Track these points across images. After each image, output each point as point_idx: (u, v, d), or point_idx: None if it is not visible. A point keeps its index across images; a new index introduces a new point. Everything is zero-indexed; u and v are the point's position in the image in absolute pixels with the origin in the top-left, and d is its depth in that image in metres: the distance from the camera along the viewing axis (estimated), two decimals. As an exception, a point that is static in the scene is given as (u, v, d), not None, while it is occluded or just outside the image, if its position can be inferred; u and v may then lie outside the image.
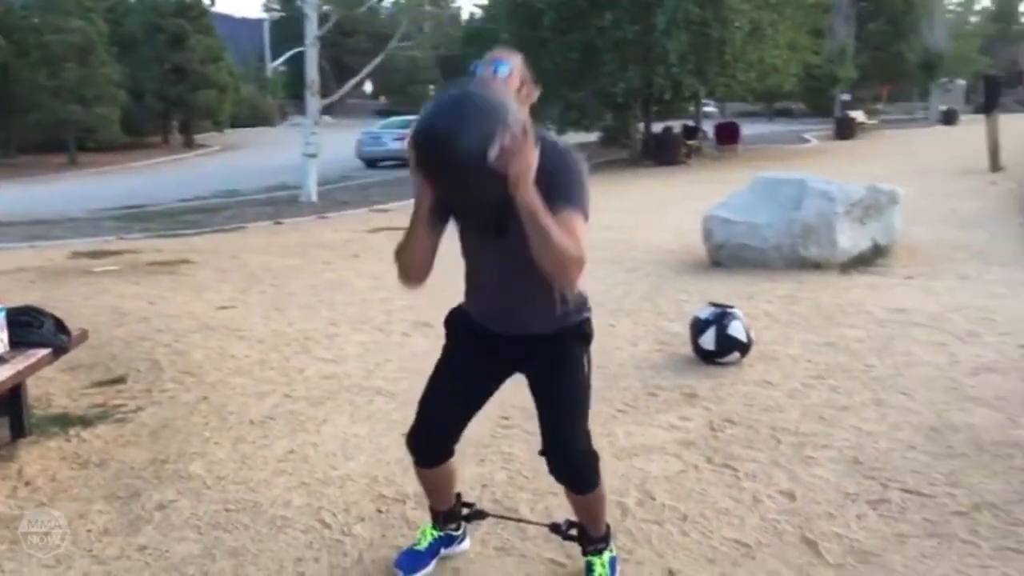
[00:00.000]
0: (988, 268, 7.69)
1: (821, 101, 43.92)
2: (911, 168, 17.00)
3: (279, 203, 14.97)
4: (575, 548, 2.88)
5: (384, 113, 55.65)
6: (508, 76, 2.43)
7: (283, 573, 2.91)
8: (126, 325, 6.22)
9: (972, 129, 31.74)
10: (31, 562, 2.99)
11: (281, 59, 58.84)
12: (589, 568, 2.78)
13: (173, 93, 34.71)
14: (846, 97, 37.90)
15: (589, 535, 2.81)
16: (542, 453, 2.65)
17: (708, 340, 5.03)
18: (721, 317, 5.03)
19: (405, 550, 2.91)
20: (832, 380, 4.78)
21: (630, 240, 9.69)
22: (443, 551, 2.94)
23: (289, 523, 3.25)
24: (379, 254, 9.12)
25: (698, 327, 5.10)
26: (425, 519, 3.00)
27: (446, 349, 2.80)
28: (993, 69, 44.39)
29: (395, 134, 25.13)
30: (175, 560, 2.99)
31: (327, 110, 18.92)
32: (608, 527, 2.85)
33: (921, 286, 7.01)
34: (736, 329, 5.02)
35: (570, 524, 2.87)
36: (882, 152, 23.52)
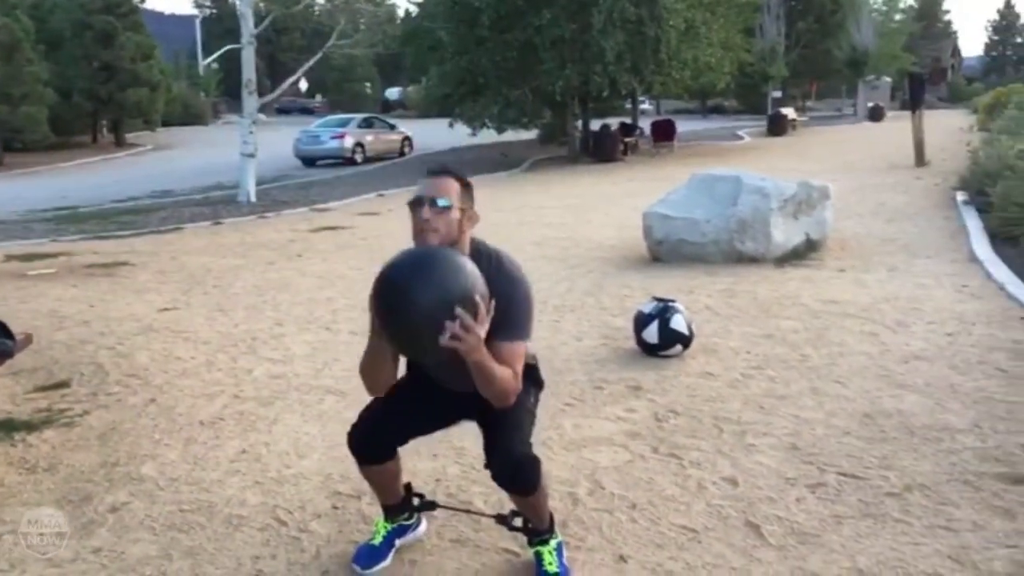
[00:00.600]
0: (915, 260, 7.98)
1: (753, 98, 44.88)
2: (841, 163, 17.47)
3: (216, 203, 14.79)
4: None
5: (300, 112, 55.19)
6: (448, 208, 2.53)
7: (241, 571, 2.94)
8: (66, 329, 6.13)
9: (897, 125, 32.71)
10: (-17, 568, 2.97)
11: (213, 56, 57.96)
12: (538, 558, 2.86)
13: (103, 91, 33.90)
14: (777, 94, 38.74)
15: (534, 529, 2.89)
16: (486, 466, 2.71)
17: (651, 334, 5.16)
18: (663, 311, 5.17)
19: (361, 545, 2.97)
20: (770, 370, 4.94)
21: (572, 237, 9.82)
22: (398, 542, 3.00)
23: (245, 521, 3.27)
24: (323, 254, 9.11)
25: (641, 321, 5.22)
26: (380, 514, 3.05)
27: (407, 373, 2.88)
28: (917, 66, 45.78)
29: (332, 132, 25.00)
30: (131, 561, 3.00)
31: (261, 109, 18.74)
32: (551, 517, 2.93)
33: (853, 279, 7.26)
34: (678, 323, 5.16)
35: (515, 514, 2.93)
36: (813, 148, 24.10)
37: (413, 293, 2.26)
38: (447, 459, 3.81)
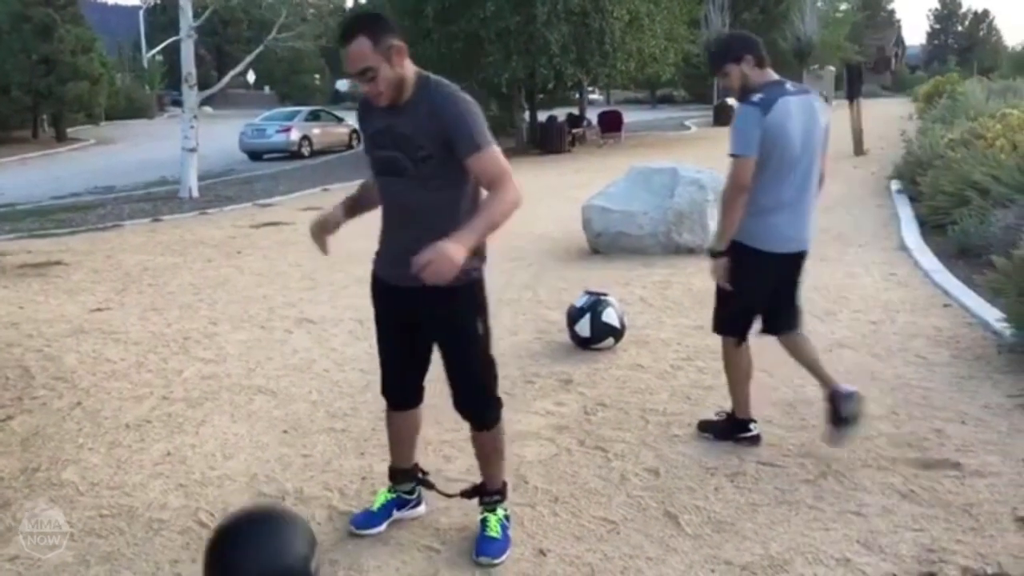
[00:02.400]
0: (847, 249, 8.15)
1: (701, 88, 45.25)
2: (783, 153, 17.67)
3: (158, 199, 14.57)
4: (449, 535, 3.01)
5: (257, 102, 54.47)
6: (375, 71, 2.60)
7: (160, 573, 2.94)
8: (-7, 332, 6.03)
9: (840, 115, 33.17)
10: None
11: (157, 48, 56.90)
12: (484, 524, 3.01)
13: (42, 85, 33.11)
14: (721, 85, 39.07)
15: (487, 488, 3.06)
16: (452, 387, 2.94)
17: (583, 327, 5.22)
18: (595, 305, 5.23)
19: (362, 511, 3.19)
20: (700, 362, 5.02)
21: (514, 229, 9.69)
22: (396, 513, 3.17)
23: (165, 525, 3.26)
24: (263, 251, 9.04)
25: (573, 315, 5.28)
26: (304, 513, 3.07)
27: (375, 313, 3.05)
28: (861, 55, 46.52)
29: (279, 126, 24.75)
30: (47, 569, 2.98)
31: (207, 101, 18.47)
32: (505, 484, 3.11)
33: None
34: (610, 316, 5.22)
35: (473, 488, 3.11)
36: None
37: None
38: (374, 456, 3.81)
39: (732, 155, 3.57)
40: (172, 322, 6.18)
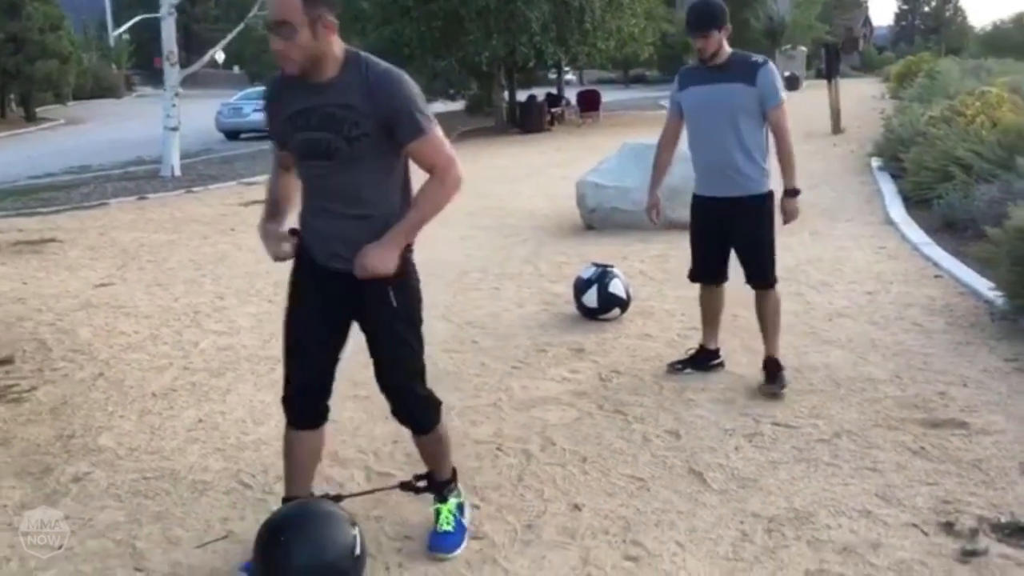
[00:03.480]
0: (835, 224, 8.33)
1: (675, 68, 45.32)
2: (762, 132, 17.88)
3: (139, 178, 14.48)
4: (380, 537, 2.97)
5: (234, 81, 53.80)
6: (293, 32, 2.39)
7: (211, 532, 3.03)
8: (1, 306, 6.04)
9: (813, 94, 33.41)
10: (-50, 540, 3.00)
11: (124, 27, 56.05)
12: (436, 516, 2.91)
13: (10, 64, 32.50)
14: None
15: (435, 479, 2.95)
16: (382, 389, 2.79)
17: (591, 298, 5.34)
18: (602, 276, 5.35)
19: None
20: (705, 331, 5.16)
21: (505, 207, 9.95)
22: None
23: (210, 486, 3.35)
24: (256, 228, 9.05)
25: (581, 286, 5.40)
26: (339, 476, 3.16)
27: (289, 297, 2.81)
28: (831, 36, 46.90)
29: (256, 105, 24.55)
30: (100, 527, 3.07)
31: (181, 81, 18.26)
32: (454, 472, 3.00)
33: (778, 242, 7.52)
34: (616, 287, 5.35)
35: (418, 477, 2.99)
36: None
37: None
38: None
39: (782, 102, 4.13)
40: (179, 296, 6.23)
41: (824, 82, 18.97)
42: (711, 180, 4.30)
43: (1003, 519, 3.00)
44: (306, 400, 2.79)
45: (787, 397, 4.15)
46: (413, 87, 2.54)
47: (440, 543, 2.86)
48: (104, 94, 46.96)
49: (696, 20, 4.04)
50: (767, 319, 4.37)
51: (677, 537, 2.97)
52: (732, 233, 4.32)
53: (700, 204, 4.40)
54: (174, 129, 14.61)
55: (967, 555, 2.81)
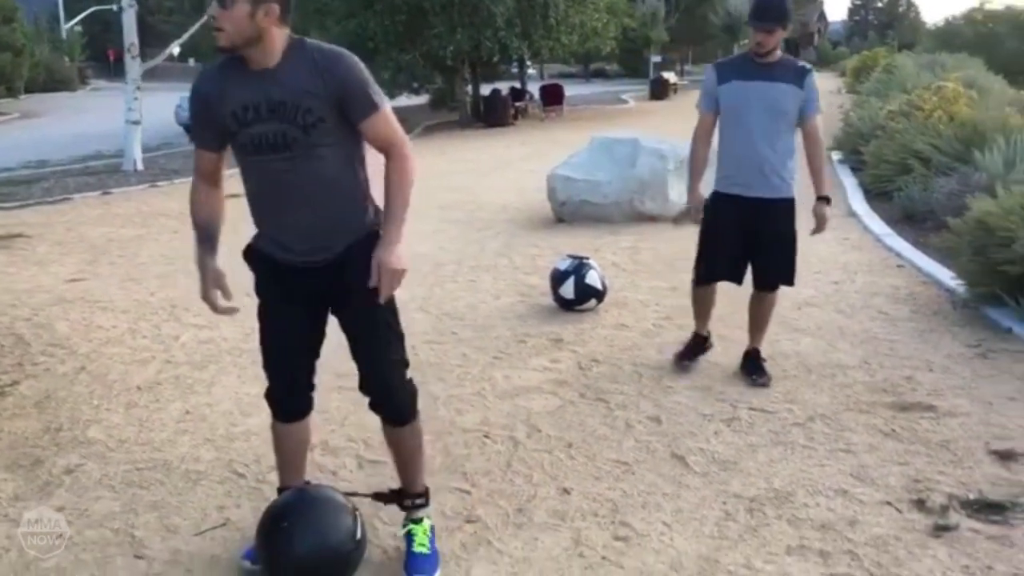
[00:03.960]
0: (798, 216, 8.47)
1: (634, 63, 45.71)
2: (723, 126, 18.11)
3: (101, 173, 14.28)
4: (376, 523, 3.00)
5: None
6: (233, 3, 2.32)
7: (208, 520, 3.08)
8: (-27, 302, 5.99)
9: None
10: (-54, 532, 3.02)
11: (77, 19, 55.09)
12: (409, 538, 2.79)
13: (-39, 56, 31.97)
14: (657, 59, 39.62)
15: (406, 492, 2.83)
16: (360, 388, 2.72)
17: (568, 289, 5.44)
18: (579, 268, 5.45)
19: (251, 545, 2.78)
20: (678, 320, 5.27)
21: (476, 200, 10.01)
22: None
23: (203, 476, 3.40)
24: (228, 223, 9.01)
25: (558, 278, 5.49)
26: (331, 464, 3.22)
27: (260, 300, 2.82)
28: (790, 31, 47.53)
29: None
30: (97, 517, 3.10)
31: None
32: (427, 490, 2.88)
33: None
34: (592, 278, 5.45)
35: (392, 491, 2.89)
36: (694, 111, 24.77)
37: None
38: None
39: (819, 111, 4.22)
40: (154, 291, 6.21)
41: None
42: (746, 178, 4.11)
43: (971, 496, 3.15)
44: (289, 396, 2.80)
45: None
46: (361, 64, 2.47)
47: (418, 566, 2.72)
48: (57, 87, 46.13)
49: (765, 13, 3.95)
50: (763, 317, 4.40)
51: (664, 518, 3.07)
52: (761, 233, 4.19)
53: (728, 202, 4.17)
54: (136, 123, 14.45)
55: (939, 530, 2.96)
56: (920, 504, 3.12)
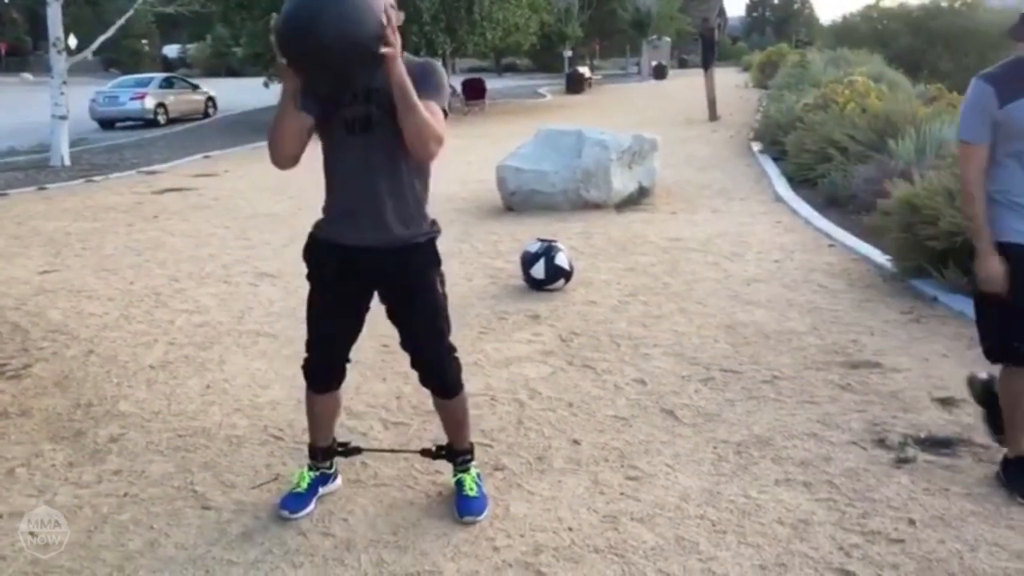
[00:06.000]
0: (731, 203, 9.11)
1: (546, 57, 46.43)
2: (643, 119, 18.74)
3: (27, 168, 14.07)
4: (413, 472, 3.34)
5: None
6: None
7: (260, 475, 3.38)
8: (-50, 294, 6.05)
9: (682, 82, 34.97)
10: (12, 494, 3.24)
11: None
12: (460, 485, 3.11)
13: None
14: (568, 54, 40.37)
15: (455, 449, 3.15)
16: (412, 365, 3.00)
17: (538, 270, 5.84)
18: (548, 250, 5.86)
19: (287, 494, 3.13)
20: (642, 297, 5.74)
21: (422, 191, 10.29)
22: (321, 489, 3.17)
23: (244, 440, 3.69)
24: (180, 215, 9.15)
25: (528, 259, 5.89)
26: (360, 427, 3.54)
27: (311, 284, 2.99)
28: (691, 26, 48.83)
29: (132, 93, 23.93)
30: (155, 478, 3.37)
31: (24, 67, 17.62)
32: (472, 445, 3.20)
33: (685, 219, 8.26)
34: (561, 259, 5.87)
35: (439, 448, 3.23)
36: (613, 105, 25.55)
37: (326, 15, 2.36)
38: (400, 380, 4.31)
39: None
40: (133, 280, 6.37)
41: (695, 70, 20.01)
42: None
43: (923, 435, 3.67)
44: (328, 371, 3.05)
45: (727, 348, 4.76)
46: (443, 68, 2.83)
47: (469, 507, 3.04)
48: (-49, 82, 44.24)
49: None
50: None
51: (665, 461, 3.50)
52: None
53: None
54: (63, 118, 14.29)
55: (900, 462, 3.46)
56: (881, 442, 3.61)
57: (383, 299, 2.97)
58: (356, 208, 2.81)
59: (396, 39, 2.50)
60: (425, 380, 3.05)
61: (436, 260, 2.96)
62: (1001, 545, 2.82)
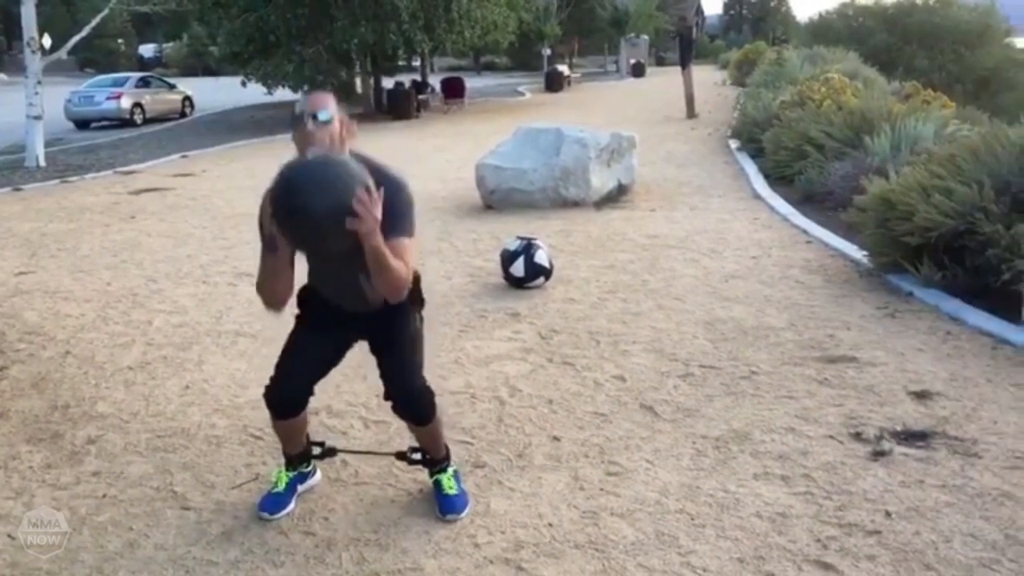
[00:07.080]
0: (710, 200, 9.16)
1: (525, 56, 46.55)
2: (622, 117, 18.80)
3: (2, 169, 13.92)
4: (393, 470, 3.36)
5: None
6: (329, 121, 2.71)
7: (240, 475, 3.38)
8: (-76, 296, 5.99)
9: (660, 80, 35.09)
10: (-9, 499, 3.23)
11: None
12: (438, 485, 3.15)
13: None
14: (547, 52, 40.44)
15: (431, 459, 3.17)
16: (386, 397, 2.97)
17: (518, 268, 5.86)
18: (528, 248, 5.87)
19: (266, 494, 3.13)
20: (621, 294, 5.77)
21: (401, 190, 10.28)
22: (299, 487, 3.19)
23: (223, 440, 3.68)
24: (157, 215, 9.10)
25: (508, 257, 5.90)
26: (340, 425, 3.54)
27: (299, 320, 3.04)
28: (670, 24, 49.06)
29: (108, 92, 23.75)
30: (133, 479, 3.36)
31: (2, 68, 17.44)
32: (447, 448, 3.22)
33: (664, 216, 8.30)
34: (541, 257, 5.89)
35: (414, 450, 3.21)
36: (592, 103, 25.62)
37: (313, 194, 2.43)
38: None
39: None
40: (110, 281, 6.34)
41: (673, 68, 20.11)
42: None
43: (898, 428, 3.71)
44: (290, 400, 3.00)
45: (706, 344, 4.79)
46: (410, 194, 2.80)
47: (452, 505, 3.07)
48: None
49: None
50: None
51: (645, 456, 3.53)
52: None
53: None
54: (37, 118, 14.17)
55: (876, 455, 3.50)
56: (857, 436, 3.65)
57: (367, 339, 3.05)
58: (338, 298, 2.93)
59: (376, 216, 2.48)
60: (397, 409, 3.02)
61: (420, 300, 3.06)
62: (976, 536, 2.86)
